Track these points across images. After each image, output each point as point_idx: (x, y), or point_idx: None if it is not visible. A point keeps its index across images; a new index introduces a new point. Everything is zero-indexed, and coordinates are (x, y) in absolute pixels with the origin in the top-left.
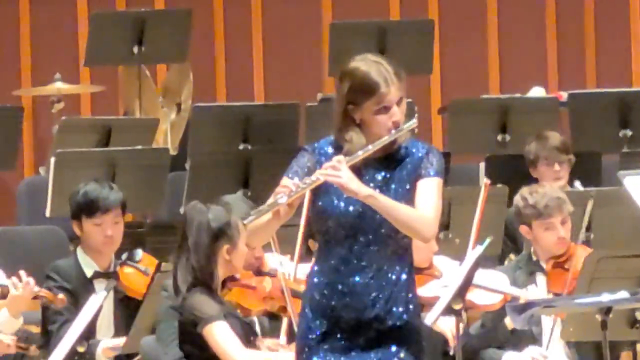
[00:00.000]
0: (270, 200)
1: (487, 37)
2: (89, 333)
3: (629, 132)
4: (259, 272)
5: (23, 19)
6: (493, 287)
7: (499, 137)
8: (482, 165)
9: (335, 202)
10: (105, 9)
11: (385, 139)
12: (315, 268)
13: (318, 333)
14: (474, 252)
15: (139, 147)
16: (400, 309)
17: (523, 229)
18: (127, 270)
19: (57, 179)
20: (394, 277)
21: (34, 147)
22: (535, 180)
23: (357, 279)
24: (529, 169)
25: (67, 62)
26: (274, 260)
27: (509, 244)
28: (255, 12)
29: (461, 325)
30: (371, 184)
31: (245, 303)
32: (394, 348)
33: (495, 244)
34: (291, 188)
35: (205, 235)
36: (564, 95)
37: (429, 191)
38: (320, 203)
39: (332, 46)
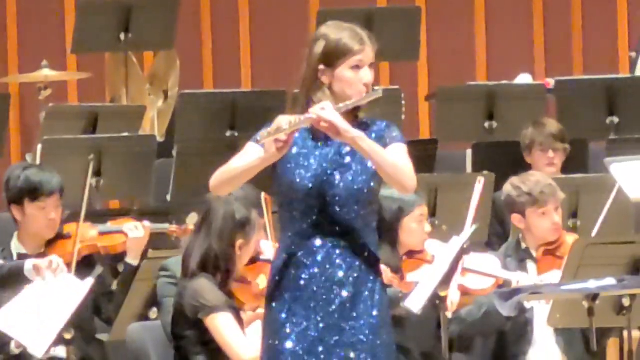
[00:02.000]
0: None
1: (474, 24)
2: (77, 320)
3: (616, 119)
4: (256, 259)
5: (10, 6)
6: (485, 271)
7: (486, 125)
8: (469, 152)
9: (297, 173)
10: None
11: (359, 100)
12: (279, 247)
13: (284, 316)
14: (459, 239)
15: (126, 134)
16: (370, 285)
17: (515, 218)
18: (54, 244)
19: (43, 166)
20: (360, 256)
21: (20, 134)
22: (526, 167)
23: (322, 256)
24: (523, 154)
25: (54, 49)
26: (268, 247)
27: (497, 229)
28: None
29: (449, 314)
30: (338, 157)
31: (241, 297)
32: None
33: (481, 230)
34: (291, 121)
35: (231, 224)
36: (551, 82)
37: (401, 153)
38: (281, 175)
39: None
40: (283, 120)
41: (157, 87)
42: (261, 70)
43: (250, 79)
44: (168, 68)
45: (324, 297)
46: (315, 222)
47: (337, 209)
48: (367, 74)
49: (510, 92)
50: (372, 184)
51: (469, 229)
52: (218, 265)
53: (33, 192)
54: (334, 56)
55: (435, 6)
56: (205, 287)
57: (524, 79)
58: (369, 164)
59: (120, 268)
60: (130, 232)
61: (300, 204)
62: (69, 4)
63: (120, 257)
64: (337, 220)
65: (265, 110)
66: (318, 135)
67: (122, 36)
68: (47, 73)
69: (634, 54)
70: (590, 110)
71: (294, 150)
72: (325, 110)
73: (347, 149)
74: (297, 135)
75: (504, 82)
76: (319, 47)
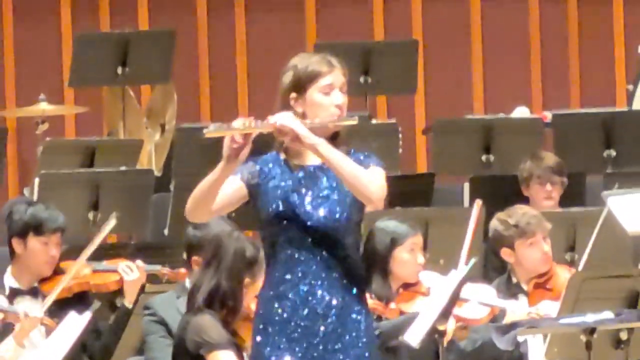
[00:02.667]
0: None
1: (472, 58)
2: (74, 354)
3: (613, 153)
4: None
5: (7, 39)
6: (481, 300)
7: (483, 158)
8: (466, 185)
9: (275, 206)
10: (89, 30)
11: (331, 120)
12: (264, 281)
13: (269, 349)
14: (458, 273)
15: (123, 168)
16: (354, 316)
17: (505, 252)
18: (48, 279)
19: (41, 200)
20: (343, 287)
21: (18, 168)
22: (523, 200)
23: (304, 288)
24: (521, 187)
25: (51, 83)
26: None
27: (495, 263)
28: (239, 32)
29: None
30: (316, 188)
31: (244, 334)
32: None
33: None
34: (245, 123)
35: (241, 262)
36: (548, 116)
37: (376, 172)
38: (260, 209)
39: None
40: (238, 122)
41: (154, 121)
42: (258, 103)
43: (247, 113)
44: (165, 102)
45: (308, 329)
46: (297, 254)
47: (317, 241)
48: (338, 97)
49: (508, 125)
50: (351, 215)
51: (465, 258)
52: (225, 302)
53: (39, 227)
54: (303, 81)
55: (432, 39)
56: (209, 324)
57: (521, 112)
58: (347, 194)
59: (119, 303)
60: (125, 275)
61: (280, 236)
62: (66, 38)
63: (118, 291)
64: (318, 252)
65: (262, 143)
66: (296, 167)
67: (120, 70)
68: (44, 107)
69: (631, 87)
70: (587, 143)
71: (272, 183)
72: (285, 118)
73: (324, 180)
74: (274, 167)
75: (501, 115)
76: (288, 77)
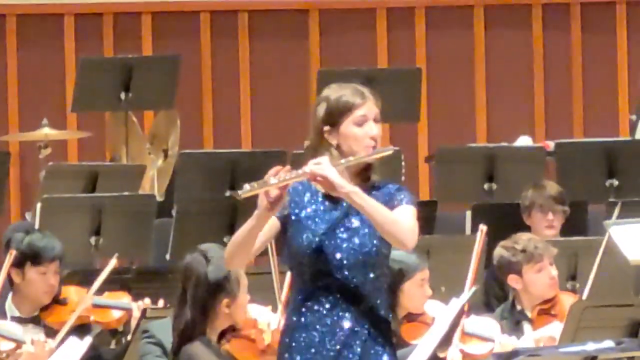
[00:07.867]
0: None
1: (475, 86)
2: None
3: (616, 182)
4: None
5: (10, 64)
6: (485, 335)
7: (486, 186)
8: (469, 213)
9: (305, 237)
10: (92, 55)
11: (367, 155)
12: (289, 309)
13: None
14: (458, 300)
15: (126, 193)
16: (377, 348)
17: (512, 279)
18: (49, 308)
19: (43, 224)
20: (369, 320)
21: (20, 193)
22: (525, 229)
23: (331, 319)
24: (523, 215)
25: (54, 107)
26: (255, 311)
27: (497, 291)
28: (243, 58)
29: None
30: (347, 220)
31: (241, 357)
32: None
33: (477, 292)
34: (280, 174)
35: (203, 290)
36: (551, 145)
37: (407, 212)
38: (290, 238)
39: None
40: (272, 176)
41: (157, 146)
42: (261, 130)
43: (250, 139)
44: (168, 127)
45: (332, 358)
46: (324, 286)
47: (345, 273)
48: (372, 128)
49: (510, 154)
50: (381, 248)
51: (468, 287)
52: (200, 331)
53: (36, 257)
54: (336, 114)
55: (435, 67)
56: (199, 353)
57: (524, 141)
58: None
59: (119, 327)
60: (136, 312)
61: (309, 266)
62: (69, 63)
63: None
64: (345, 284)
65: (265, 170)
66: (330, 197)
67: (123, 95)
68: (47, 131)
69: (634, 117)
70: (590, 172)
71: (304, 213)
72: (320, 165)
73: (355, 212)
74: (305, 196)
75: (504, 144)
76: (321, 109)
